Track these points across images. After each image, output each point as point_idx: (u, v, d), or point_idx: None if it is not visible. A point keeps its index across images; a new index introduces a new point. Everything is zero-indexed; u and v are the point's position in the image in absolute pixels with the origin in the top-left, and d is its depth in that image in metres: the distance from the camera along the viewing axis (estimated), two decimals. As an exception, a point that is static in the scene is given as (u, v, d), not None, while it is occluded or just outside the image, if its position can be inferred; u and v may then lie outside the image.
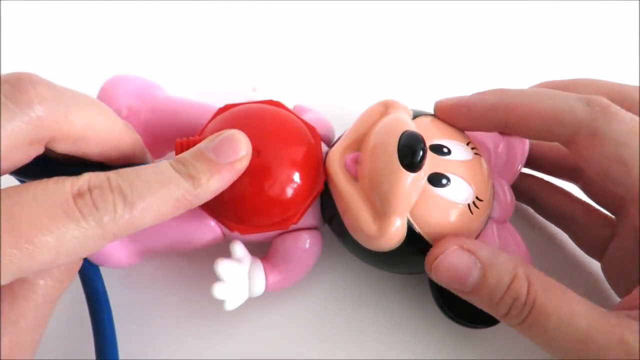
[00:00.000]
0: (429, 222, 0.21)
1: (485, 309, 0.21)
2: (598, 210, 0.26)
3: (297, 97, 0.27)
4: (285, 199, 0.22)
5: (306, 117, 0.26)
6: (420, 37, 0.35)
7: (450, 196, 0.21)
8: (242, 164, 0.20)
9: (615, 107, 0.20)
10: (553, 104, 0.21)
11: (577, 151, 0.21)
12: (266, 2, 0.36)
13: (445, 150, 0.22)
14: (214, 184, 0.19)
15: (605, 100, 0.20)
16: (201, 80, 0.25)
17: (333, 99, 0.31)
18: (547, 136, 0.21)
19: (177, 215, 0.19)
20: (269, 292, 0.24)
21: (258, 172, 0.21)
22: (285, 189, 0.21)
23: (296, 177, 0.22)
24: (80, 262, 0.21)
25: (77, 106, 0.18)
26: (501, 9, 0.36)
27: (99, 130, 0.19)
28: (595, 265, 0.26)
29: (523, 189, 0.26)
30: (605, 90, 0.22)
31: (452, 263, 0.21)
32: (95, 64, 0.32)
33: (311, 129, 0.23)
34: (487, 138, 0.24)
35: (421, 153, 0.20)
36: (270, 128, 0.22)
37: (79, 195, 0.16)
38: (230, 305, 0.23)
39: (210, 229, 0.23)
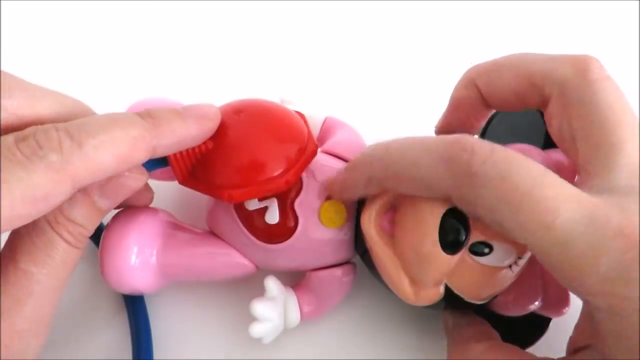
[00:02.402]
0: (467, 286, 0.21)
1: None
2: None
3: (327, 110, 0.27)
4: (271, 149, 0.21)
5: (338, 134, 0.26)
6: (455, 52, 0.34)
7: (491, 262, 0.20)
8: (208, 124, 0.20)
9: None
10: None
11: None
12: (297, 18, 0.36)
13: None
14: (177, 127, 0.19)
15: None
16: (228, 98, 0.24)
17: (363, 112, 0.30)
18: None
19: (141, 158, 0.18)
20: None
21: (239, 130, 0.21)
22: (268, 141, 0.21)
23: (279, 134, 0.22)
24: (75, 262, 0.20)
25: (43, 96, 0.18)
26: (501, 9, 0.36)
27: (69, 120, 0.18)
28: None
29: None
30: None
31: None
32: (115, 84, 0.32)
33: (300, 114, 0.24)
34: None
35: (463, 239, 0.19)
36: (257, 103, 0.23)
37: (22, 139, 0.16)
38: (267, 340, 0.23)
39: (243, 267, 0.23)
